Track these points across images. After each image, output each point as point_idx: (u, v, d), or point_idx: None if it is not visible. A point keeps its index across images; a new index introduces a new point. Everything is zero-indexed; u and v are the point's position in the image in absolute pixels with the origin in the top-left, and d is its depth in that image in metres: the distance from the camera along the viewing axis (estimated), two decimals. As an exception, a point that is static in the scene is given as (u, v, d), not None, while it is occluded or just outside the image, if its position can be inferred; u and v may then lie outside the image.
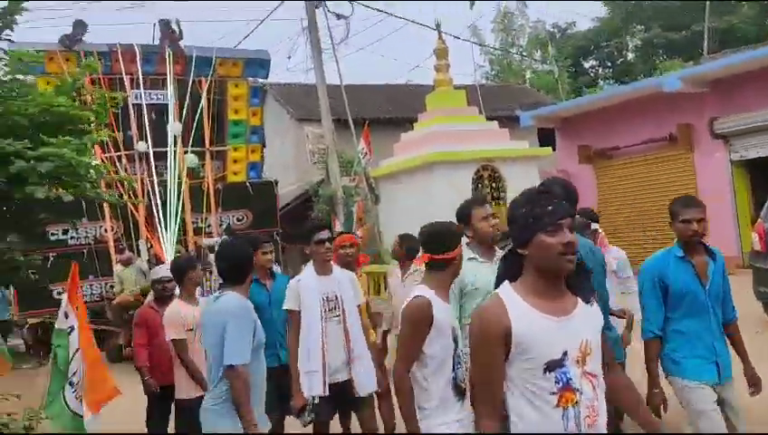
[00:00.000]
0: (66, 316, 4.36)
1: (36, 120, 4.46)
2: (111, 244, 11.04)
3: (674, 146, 13.86)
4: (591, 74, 35.54)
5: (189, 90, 12.09)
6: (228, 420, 3.36)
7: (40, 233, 4.91)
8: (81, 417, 4.35)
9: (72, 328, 4.32)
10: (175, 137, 11.55)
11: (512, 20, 33.52)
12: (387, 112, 18.37)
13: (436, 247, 3.08)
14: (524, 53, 33.25)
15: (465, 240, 3.68)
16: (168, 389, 4.82)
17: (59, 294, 10.32)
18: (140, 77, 11.67)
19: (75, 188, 4.61)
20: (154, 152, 11.36)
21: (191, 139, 11.97)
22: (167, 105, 11.77)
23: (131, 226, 11.11)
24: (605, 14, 35.12)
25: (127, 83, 11.39)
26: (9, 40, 6.05)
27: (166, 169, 11.36)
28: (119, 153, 11.15)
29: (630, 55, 34.40)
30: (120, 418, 5.18)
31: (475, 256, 3.68)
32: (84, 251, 10.80)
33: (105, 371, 4.76)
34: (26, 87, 4.72)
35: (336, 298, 4.27)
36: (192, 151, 11.86)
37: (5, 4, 5.36)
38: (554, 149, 15.85)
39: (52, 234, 10.35)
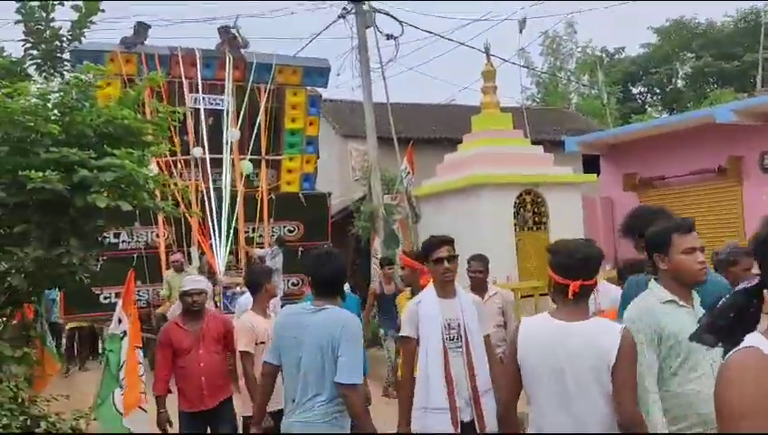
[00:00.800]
0: (120, 321, 4.51)
1: (100, 130, 4.64)
2: (163, 250, 10.80)
3: (723, 178, 13.61)
4: (639, 101, 35.15)
5: (248, 96, 11.79)
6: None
7: (98, 239, 5.04)
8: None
9: (124, 333, 4.46)
10: (231, 144, 11.28)
11: (560, 44, 33.41)
12: (431, 132, 18.45)
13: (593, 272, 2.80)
14: (572, 78, 33.06)
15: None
16: (200, 416, 4.57)
17: (106, 298, 10.18)
18: (199, 82, 11.41)
19: (134, 197, 4.76)
20: (209, 159, 11.07)
21: (249, 146, 11.77)
22: (224, 111, 11.44)
23: (183, 232, 10.80)
24: (655, 41, 34.77)
25: (186, 87, 11.22)
26: (75, 50, 6.32)
27: (220, 176, 11.03)
28: (174, 158, 10.87)
29: (680, 83, 33.96)
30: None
31: (674, 297, 2.95)
32: (134, 256, 10.55)
33: (137, 378, 4.80)
34: (91, 99, 4.90)
35: (458, 326, 3.81)
36: (248, 159, 11.58)
37: (75, 15, 5.62)
38: (598, 175, 15.71)
39: (104, 237, 9.81)
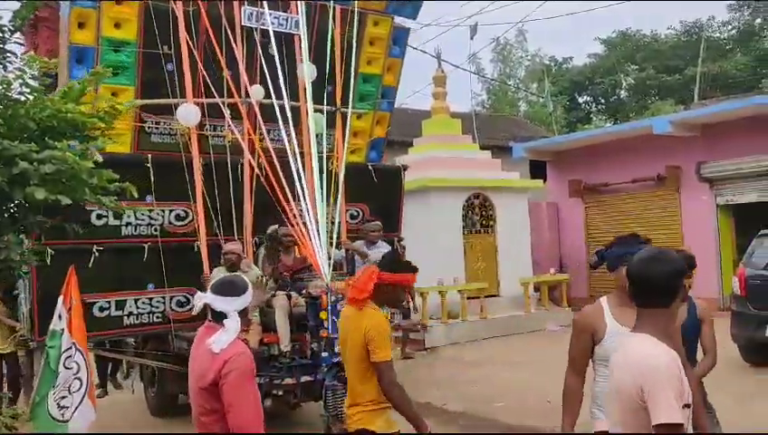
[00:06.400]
0: (60, 317, 4.42)
1: (44, 124, 4.56)
2: (204, 239, 6.89)
3: (662, 186, 14.13)
4: (585, 110, 36.12)
5: (317, 20, 7.91)
6: None
7: (37, 235, 4.83)
8: (59, 422, 4.36)
9: (63, 330, 4.38)
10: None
11: (510, 51, 34.06)
12: (382, 135, 18.57)
13: None
14: (521, 85, 33.72)
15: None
16: None
17: (101, 310, 6.75)
18: None
19: (74, 191, 4.67)
20: (261, 106, 7.13)
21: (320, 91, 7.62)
22: (288, 36, 7.48)
23: (234, 214, 7.06)
24: (601, 51, 35.80)
25: None
26: (19, 43, 6.19)
27: (276, 133, 7.12)
28: (216, 100, 7.14)
29: (624, 93, 35.03)
30: None
31: None
32: (145, 246, 6.91)
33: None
34: (35, 91, 4.81)
35: None
36: (317, 110, 7.19)
37: (16, 6, 5.50)
38: (545, 181, 16.09)
39: (100, 216, 6.52)
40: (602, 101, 36.35)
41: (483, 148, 14.85)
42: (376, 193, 8.67)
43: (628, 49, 34.56)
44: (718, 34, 33.57)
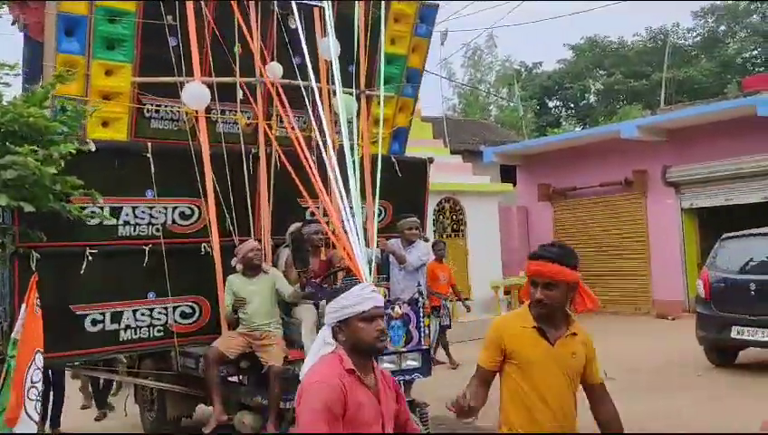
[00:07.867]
0: (23, 326, 4.32)
1: (5, 128, 4.48)
2: (216, 239, 5.89)
3: (629, 190, 14.36)
4: (555, 114, 36.55)
5: None
6: None
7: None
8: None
9: (24, 338, 4.27)
10: (331, 66, 5.94)
11: (481, 56, 34.35)
12: (353, 139, 18.55)
13: None
14: (492, 90, 33.99)
15: None
16: None
17: (94, 323, 5.75)
18: None
19: (37, 198, 4.59)
20: (281, 86, 6.20)
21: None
22: (306, 13, 6.46)
23: (251, 212, 6.25)
24: (570, 57, 36.29)
25: None
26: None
27: (297, 118, 6.35)
28: (226, 80, 6.23)
29: (592, 99, 35.53)
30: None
31: None
32: (146, 249, 5.94)
33: (21, 388, 4.32)
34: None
35: None
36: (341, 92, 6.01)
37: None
38: (515, 185, 16.24)
39: (92, 214, 5.53)
40: (572, 105, 36.83)
41: (453, 152, 14.94)
42: (400, 189, 7.50)
43: (596, 55, 35.08)
44: (683, 41, 34.24)
